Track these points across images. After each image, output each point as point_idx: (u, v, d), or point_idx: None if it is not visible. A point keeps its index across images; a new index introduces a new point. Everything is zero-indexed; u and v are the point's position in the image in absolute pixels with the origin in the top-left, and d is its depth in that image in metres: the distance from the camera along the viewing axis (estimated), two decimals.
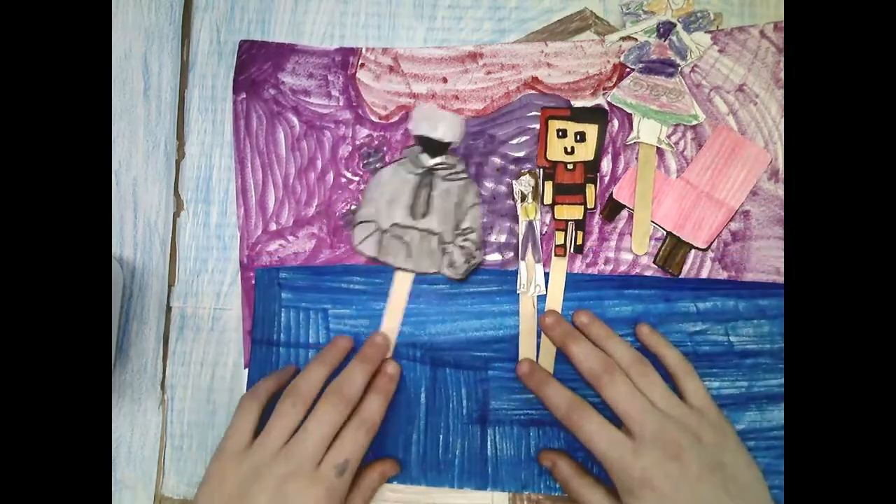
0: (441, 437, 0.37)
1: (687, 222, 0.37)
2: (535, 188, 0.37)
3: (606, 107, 0.38)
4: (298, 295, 0.38)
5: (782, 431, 0.36)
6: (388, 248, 0.38)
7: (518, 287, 0.37)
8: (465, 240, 0.37)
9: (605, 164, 0.38)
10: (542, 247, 0.37)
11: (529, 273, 0.37)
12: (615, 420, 0.32)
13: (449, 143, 0.38)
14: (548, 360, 0.37)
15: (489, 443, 0.37)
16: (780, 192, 0.38)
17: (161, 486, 0.38)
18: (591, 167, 0.38)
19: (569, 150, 0.38)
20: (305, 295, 0.38)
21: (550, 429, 0.37)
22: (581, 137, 0.38)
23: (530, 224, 0.37)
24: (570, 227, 0.37)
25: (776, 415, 0.36)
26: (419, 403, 0.37)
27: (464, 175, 0.38)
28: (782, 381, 0.36)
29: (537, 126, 0.38)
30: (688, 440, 0.31)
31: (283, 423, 0.33)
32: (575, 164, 0.38)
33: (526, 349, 0.37)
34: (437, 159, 0.38)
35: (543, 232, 0.38)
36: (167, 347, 0.39)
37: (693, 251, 0.38)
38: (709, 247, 0.37)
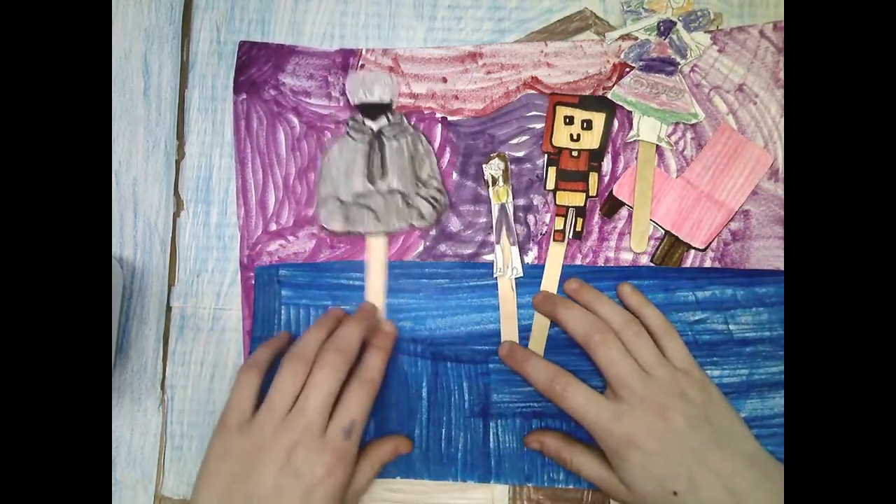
0: (444, 431, 0.37)
1: (686, 222, 0.37)
2: (505, 171, 0.38)
3: None
4: (298, 292, 0.38)
5: (783, 418, 0.36)
6: (356, 218, 0.38)
7: (494, 271, 0.38)
8: (427, 189, 0.37)
9: (606, 163, 0.38)
10: (516, 229, 0.38)
11: (505, 256, 0.37)
12: (598, 386, 0.33)
13: (389, 103, 0.38)
14: (539, 342, 0.37)
15: (492, 436, 0.37)
16: (780, 191, 0.38)
17: (161, 486, 0.38)
18: (596, 156, 0.38)
19: (575, 137, 0.38)
20: (305, 292, 0.38)
21: (552, 420, 0.37)
22: (588, 125, 0.38)
23: (502, 207, 0.38)
24: (571, 213, 0.38)
25: (777, 402, 0.36)
26: (421, 398, 0.37)
27: (410, 129, 0.38)
28: (782, 368, 0.36)
29: (537, 126, 0.39)
30: (673, 398, 0.31)
31: (284, 389, 0.32)
32: (580, 151, 0.38)
33: (507, 332, 0.37)
34: (382, 121, 0.38)
35: (544, 230, 0.38)
36: (167, 347, 0.39)
37: (692, 250, 0.38)
38: (707, 247, 0.37)
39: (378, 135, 0.38)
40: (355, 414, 0.32)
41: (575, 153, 0.38)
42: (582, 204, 0.37)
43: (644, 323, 0.35)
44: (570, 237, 0.38)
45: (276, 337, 0.37)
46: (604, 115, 0.38)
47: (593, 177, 0.38)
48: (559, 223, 0.38)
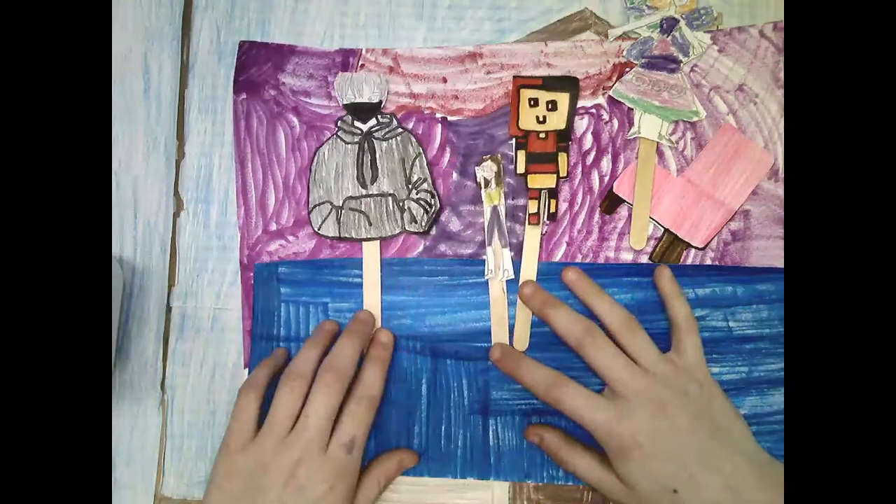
0: (443, 428, 0.37)
1: (686, 220, 0.37)
2: (498, 173, 0.37)
3: (604, 103, 0.38)
4: (298, 289, 0.38)
5: (783, 415, 0.36)
6: (348, 224, 0.38)
7: (486, 273, 0.38)
8: (418, 192, 0.37)
9: (606, 163, 0.38)
10: (507, 231, 0.38)
11: (497, 259, 0.37)
12: (599, 388, 0.32)
13: (378, 103, 0.38)
14: (522, 338, 0.37)
15: (491, 433, 0.37)
16: (780, 191, 0.38)
17: (161, 487, 0.38)
18: (563, 136, 0.38)
19: (541, 118, 0.38)
20: (305, 289, 0.38)
21: (552, 417, 0.37)
22: (553, 106, 0.38)
23: (495, 209, 0.38)
24: (544, 195, 0.38)
25: (776, 399, 0.36)
26: (420, 395, 0.37)
27: (399, 129, 0.38)
28: (782, 365, 0.36)
29: None
30: (673, 396, 0.31)
31: (284, 409, 0.32)
32: (547, 132, 0.38)
33: (499, 335, 0.37)
34: (371, 122, 0.38)
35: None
36: (167, 347, 0.39)
37: (691, 249, 0.38)
38: (706, 246, 0.37)
39: (368, 136, 0.38)
40: (355, 431, 0.32)
41: (542, 135, 0.38)
42: (553, 185, 0.37)
43: (670, 314, 0.35)
44: (546, 220, 0.38)
45: (273, 356, 0.37)
46: (568, 94, 0.38)
47: (562, 157, 0.38)
48: (532, 206, 0.38)
